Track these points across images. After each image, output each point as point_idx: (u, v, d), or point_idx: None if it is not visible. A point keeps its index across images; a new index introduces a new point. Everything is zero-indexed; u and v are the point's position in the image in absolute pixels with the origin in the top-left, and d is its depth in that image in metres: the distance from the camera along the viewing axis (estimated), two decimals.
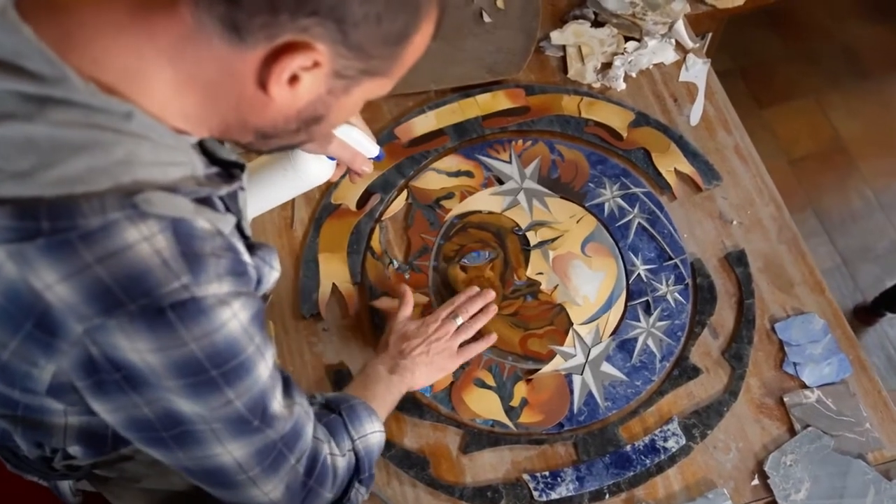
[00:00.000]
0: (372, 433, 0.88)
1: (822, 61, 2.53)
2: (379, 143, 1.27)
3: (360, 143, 0.97)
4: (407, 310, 1.10)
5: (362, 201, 1.24)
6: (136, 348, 0.60)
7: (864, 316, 2.13)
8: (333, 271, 1.19)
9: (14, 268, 0.56)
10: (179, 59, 0.57)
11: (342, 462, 0.83)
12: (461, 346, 1.08)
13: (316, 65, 0.58)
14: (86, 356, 0.60)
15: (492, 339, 1.11)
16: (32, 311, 0.58)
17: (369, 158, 1.00)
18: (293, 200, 1.24)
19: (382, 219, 1.23)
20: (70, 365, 0.61)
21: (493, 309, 1.12)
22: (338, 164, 1.00)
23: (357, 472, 0.86)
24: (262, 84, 0.59)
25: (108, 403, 0.64)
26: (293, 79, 0.59)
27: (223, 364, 0.64)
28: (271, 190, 0.99)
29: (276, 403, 0.71)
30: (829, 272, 2.19)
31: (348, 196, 1.24)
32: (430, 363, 1.04)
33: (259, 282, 0.71)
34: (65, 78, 0.55)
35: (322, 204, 1.24)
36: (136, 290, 0.58)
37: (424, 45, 0.63)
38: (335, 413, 0.87)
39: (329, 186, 1.25)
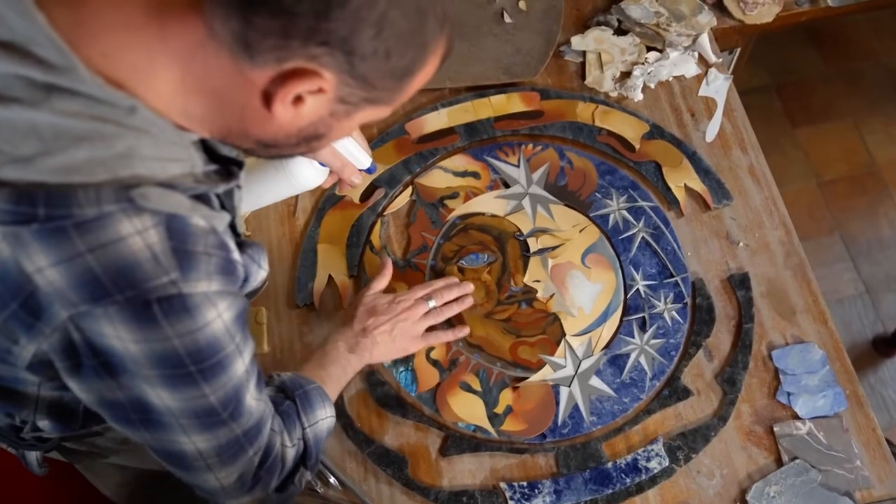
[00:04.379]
0: (323, 419, 0.90)
1: (864, 83, 2.47)
2: (389, 137, 1.28)
3: (352, 153, 0.97)
4: (381, 283, 1.10)
5: (366, 195, 1.24)
6: (120, 336, 0.61)
7: (883, 347, 2.08)
8: (331, 263, 1.19)
9: (7, 249, 0.57)
10: (189, 63, 0.58)
11: (291, 452, 0.85)
12: (428, 330, 1.09)
13: (321, 90, 0.59)
14: (66, 341, 0.62)
15: (463, 331, 1.11)
16: (20, 292, 0.59)
17: (360, 170, 1.00)
18: None
19: (385, 213, 1.23)
20: (50, 347, 0.62)
21: (469, 301, 1.12)
22: (330, 172, 1.01)
23: (304, 458, 0.88)
24: (267, 102, 0.60)
25: (83, 384, 0.66)
26: (297, 99, 0.59)
27: (202, 361, 0.65)
28: (261, 190, 1.00)
29: (249, 396, 0.73)
30: (851, 300, 2.14)
31: (353, 188, 1.24)
32: (391, 342, 1.04)
33: (246, 280, 0.73)
34: (73, 68, 0.55)
35: (326, 194, 1.24)
36: (124, 282, 0.59)
37: (428, 77, 0.65)
38: (289, 399, 0.89)
39: None
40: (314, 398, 0.90)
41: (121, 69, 0.57)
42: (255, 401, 0.74)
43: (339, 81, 0.59)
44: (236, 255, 0.68)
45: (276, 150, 0.68)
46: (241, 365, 0.70)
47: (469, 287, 1.12)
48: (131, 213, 0.58)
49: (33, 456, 1.01)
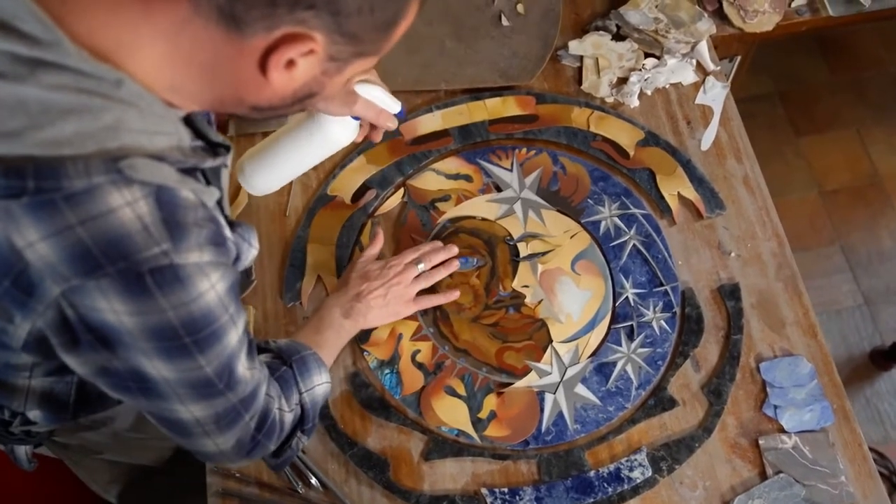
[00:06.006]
0: (319, 385, 0.92)
1: (869, 93, 2.45)
2: (381, 139, 1.27)
3: (383, 100, 0.99)
4: (374, 249, 1.13)
5: (358, 195, 1.23)
6: (114, 309, 0.61)
7: (880, 360, 2.06)
8: (320, 263, 1.18)
9: None
10: (175, 38, 0.58)
11: (289, 416, 0.86)
12: (419, 294, 1.12)
13: (311, 52, 0.60)
14: (60, 317, 0.61)
15: (454, 294, 1.14)
16: (11, 268, 0.59)
17: (393, 115, 1.02)
18: (290, 187, 1.24)
19: (376, 215, 1.22)
20: (45, 324, 0.62)
21: (455, 264, 1.15)
22: (361, 125, 1.02)
23: (301, 422, 0.89)
24: (262, 69, 0.60)
25: (80, 358, 0.66)
26: (289, 63, 0.60)
27: (197, 332, 0.66)
28: (299, 154, 1.01)
29: (241, 366, 0.73)
30: (850, 311, 2.13)
31: (345, 188, 1.24)
32: (385, 306, 1.07)
33: (238, 258, 0.73)
34: (58, 42, 0.55)
35: (317, 194, 1.23)
36: (115, 254, 0.59)
37: (410, 23, 0.66)
38: (286, 365, 0.90)
39: (327, 176, 1.25)
40: (311, 364, 0.92)
41: (106, 44, 0.57)
42: (248, 370, 0.75)
43: (327, 41, 0.59)
44: (227, 231, 0.69)
45: (271, 112, 0.69)
46: (235, 335, 0.71)
47: (454, 249, 1.15)
48: (121, 185, 0.58)
49: (22, 450, 1.01)
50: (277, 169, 1.02)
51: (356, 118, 0.99)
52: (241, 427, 0.77)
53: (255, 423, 0.79)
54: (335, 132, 0.99)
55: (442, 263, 1.14)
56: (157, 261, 0.60)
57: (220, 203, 0.71)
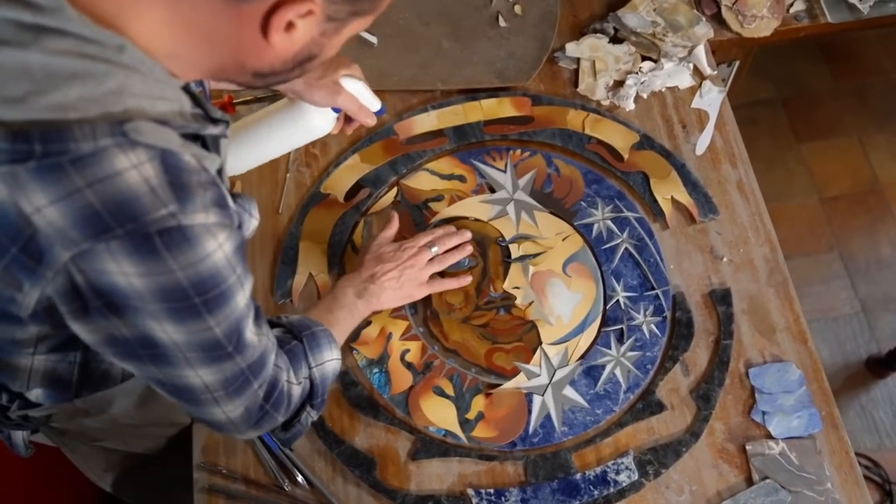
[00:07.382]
0: (329, 361, 0.92)
1: (872, 101, 2.45)
2: (377, 137, 1.28)
3: (366, 96, 1.02)
4: (390, 232, 1.14)
5: (351, 194, 1.23)
6: (124, 271, 0.61)
7: (876, 368, 2.06)
8: (312, 261, 1.19)
9: (5, 190, 0.57)
10: (176, 6, 0.59)
11: (297, 390, 0.86)
12: (431, 277, 1.12)
13: (310, 13, 0.61)
14: (69, 284, 0.62)
15: (466, 279, 1.15)
16: (20, 235, 0.59)
17: (372, 112, 1.04)
18: (284, 184, 1.24)
19: (369, 214, 1.22)
20: (54, 291, 0.62)
21: (469, 249, 1.16)
22: (338, 118, 1.04)
23: (310, 397, 0.90)
24: (262, 33, 0.62)
25: (89, 325, 0.66)
26: (288, 25, 0.61)
27: (206, 292, 0.66)
28: (275, 138, 1.04)
29: (249, 331, 0.74)
30: (847, 318, 2.12)
31: (338, 187, 1.24)
32: (398, 289, 1.08)
33: (239, 227, 0.73)
34: (60, 8, 0.56)
35: (311, 192, 1.23)
36: (124, 216, 0.59)
37: None
38: (297, 339, 0.90)
39: (321, 174, 1.25)
40: (321, 339, 0.92)
41: (107, 10, 0.58)
42: (256, 335, 0.75)
43: (325, 1, 0.61)
44: (230, 199, 0.69)
45: (273, 78, 0.70)
46: (243, 297, 0.71)
47: (467, 234, 1.16)
48: (126, 148, 0.58)
49: (19, 436, 1.01)
50: (251, 149, 1.05)
51: (336, 110, 1.01)
52: (249, 394, 0.77)
53: (264, 392, 0.79)
54: (315, 121, 1.02)
55: (455, 247, 1.15)
56: (165, 222, 0.61)
57: (220, 173, 0.72)
